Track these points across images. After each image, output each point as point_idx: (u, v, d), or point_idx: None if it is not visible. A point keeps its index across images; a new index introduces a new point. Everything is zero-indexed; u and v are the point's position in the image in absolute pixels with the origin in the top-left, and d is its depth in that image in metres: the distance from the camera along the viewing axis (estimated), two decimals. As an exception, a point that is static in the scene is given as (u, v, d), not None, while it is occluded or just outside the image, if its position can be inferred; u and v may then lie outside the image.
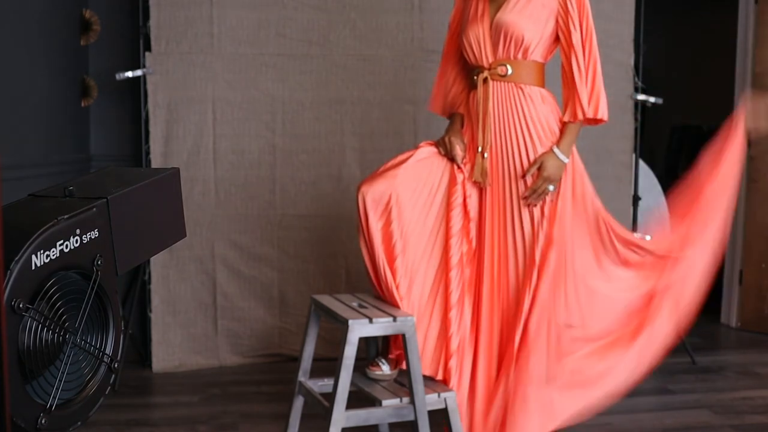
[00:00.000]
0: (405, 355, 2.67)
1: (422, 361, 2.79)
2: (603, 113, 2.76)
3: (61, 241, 1.80)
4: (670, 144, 7.21)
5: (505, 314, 2.83)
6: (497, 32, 2.75)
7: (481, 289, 2.87)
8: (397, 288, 2.78)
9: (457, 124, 2.93)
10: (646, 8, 4.34)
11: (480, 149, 2.82)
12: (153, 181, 2.17)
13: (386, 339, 2.89)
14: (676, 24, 6.97)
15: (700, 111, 6.71)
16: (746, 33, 4.88)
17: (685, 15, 6.91)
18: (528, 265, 2.78)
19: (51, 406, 1.78)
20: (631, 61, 4.29)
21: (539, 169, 2.74)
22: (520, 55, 2.76)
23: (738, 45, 4.95)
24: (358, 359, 2.65)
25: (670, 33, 6.81)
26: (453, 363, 2.81)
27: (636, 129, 4.35)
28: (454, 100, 3.00)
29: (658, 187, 4.86)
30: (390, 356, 2.87)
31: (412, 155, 2.87)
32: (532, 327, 2.74)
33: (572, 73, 2.74)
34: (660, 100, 4.33)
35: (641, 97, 4.31)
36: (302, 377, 2.95)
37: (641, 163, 4.53)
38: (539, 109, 2.77)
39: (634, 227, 4.37)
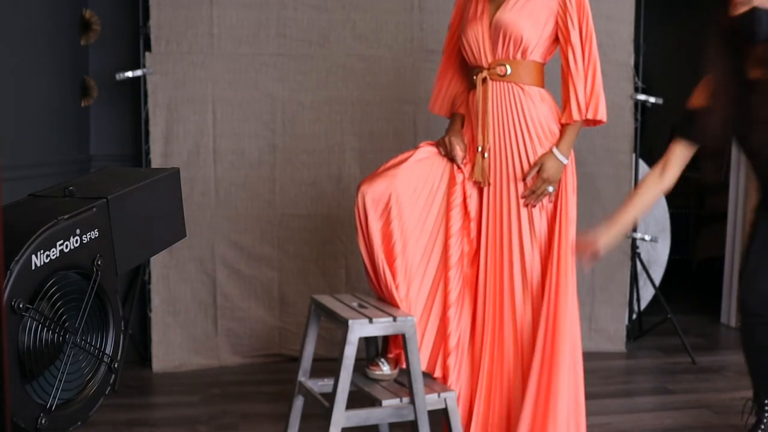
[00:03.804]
0: (405, 355, 2.67)
1: (421, 358, 2.79)
2: (602, 114, 2.76)
3: (61, 241, 1.80)
4: (670, 144, 7.20)
5: (517, 316, 2.82)
6: (496, 32, 2.75)
7: (480, 288, 2.87)
8: (396, 288, 2.78)
9: (457, 124, 2.93)
10: (646, 8, 4.34)
11: (480, 149, 2.82)
12: (153, 181, 2.17)
13: (386, 339, 2.89)
14: (676, 24, 6.97)
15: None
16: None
17: (685, 15, 6.90)
18: (542, 263, 2.78)
19: (51, 406, 1.78)
20: (631, 61, 4.29)
21: (539, 170, 2.74)
22: (519, 55, 2.75)
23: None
24: (358, 359, 2.65)
25: (670, 33, 6.81)
26: (451, 360, 2.81)
27: (636, 129, 4.35)
28: (455, 100, 3.00)
29: (658, 187, 4.86)
30: (389, 356, 2.88)
31: (411, 155, 2.87)
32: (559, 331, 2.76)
33: (570, 71, 2.74)
34: (660, 100, 4.33)
35: (641, 97, 4.31)
36: (302, 377, 2.95)
37: (641, 163, 4.53)
38: (539, 109, 2.77)
39: (633, 228, 4.38)
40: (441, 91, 3.04)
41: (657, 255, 4.86)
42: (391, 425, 3.08)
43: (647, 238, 4.40)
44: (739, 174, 4.96)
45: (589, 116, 2.74)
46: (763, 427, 3.01)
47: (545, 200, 2.77)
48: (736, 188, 5.00)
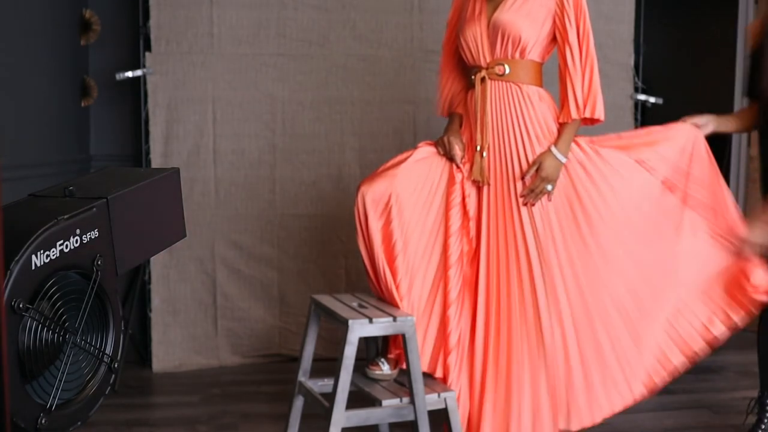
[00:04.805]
0: (405, 355, 2.67)
1: (421, 359, 2.79)
2: (600, 113, 2.76)
3: (61, 241, 1.80)
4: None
5: (513, 314, 2.82)
6: (494, 32, 2.75)
7: (479, 287, 2.87)
8: (397, 288, 2.78)
9: (455, 124, 2.94)
10: (646, 8, 4.35)
11: (479, 148, 2.82)
12: (153, 181, 2.17)
13: (386, 339, 2.89)
14: (676, 24, 6.97)
15: (700, 111, 6.69)
16: (746, 33, 4.88)
17: (685, 15, 6.90)
18: (535, 262, 2.79)
19: (51, 406, 1.78)
20: (631, 61, 4.30)
21: (537, 169, 2.74)
22: (517, 55, 2.76)
23: (738, 45, 4.95)
24: (358, 359, 2.65)
25: (670, 33, 6.81)
26: (452, 359, 2.81)
27: (636, 129, 4.35)
28: (453, 99, 3.01)
29: (658, 187, 4.86)
30: (390, 356, 2.88)
31: (410, 155, 2.88)
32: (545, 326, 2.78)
33: (568, 70, 2.74)
34: (660, 100, 4.33)
35: (641, 97, 4.31)
36: (302, 377, 2.95)
37: (641, 163, 4.53)
38: (537, 108, 2.78)
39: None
40: (442, 92, 3.04)
41: (657, 255, 4.85)
42: (391, 425, 3.08)
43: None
44: (739, 174, 4.96)
45: (587, 115, 2.75)
46: (763, 426, 3.01)
47: (544, 199, 2.77)
48: (736, 188, 4.99)
